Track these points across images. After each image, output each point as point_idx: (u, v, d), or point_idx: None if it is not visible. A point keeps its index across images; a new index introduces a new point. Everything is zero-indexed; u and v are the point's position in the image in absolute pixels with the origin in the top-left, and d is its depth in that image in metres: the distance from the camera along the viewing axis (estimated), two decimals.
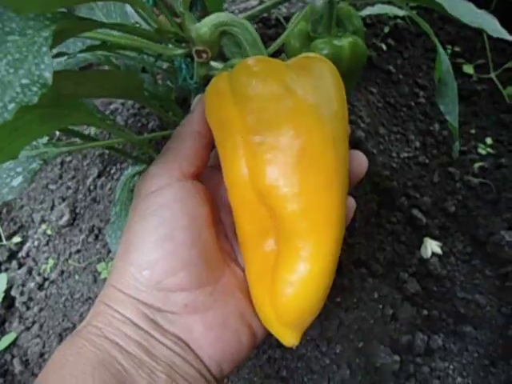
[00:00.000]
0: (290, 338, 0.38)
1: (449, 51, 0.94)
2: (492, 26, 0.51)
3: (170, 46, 0.46)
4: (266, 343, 0.64)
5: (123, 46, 0.48)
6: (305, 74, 0.39)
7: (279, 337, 0.38)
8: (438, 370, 0.63)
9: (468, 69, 0.92)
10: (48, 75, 0.24)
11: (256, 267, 0.38)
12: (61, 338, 0.72)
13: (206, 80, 0.56)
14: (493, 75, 0.92)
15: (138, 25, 0.65)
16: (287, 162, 0.36)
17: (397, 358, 0.63)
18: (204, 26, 0.41)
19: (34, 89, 0.23)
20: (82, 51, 0.43)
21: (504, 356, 0.63)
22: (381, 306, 0.66)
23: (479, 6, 0.50)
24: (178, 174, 0.37)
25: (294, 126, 0.36)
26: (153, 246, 0.33)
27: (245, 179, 0.37)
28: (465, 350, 0.65)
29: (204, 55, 0.41)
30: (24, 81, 0.23)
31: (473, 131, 0.88)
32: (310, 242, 0.36)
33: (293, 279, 0.35)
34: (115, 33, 0.53)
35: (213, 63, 0.46)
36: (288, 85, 0.36)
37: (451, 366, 0.63)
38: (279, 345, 0.64)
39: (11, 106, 0.23)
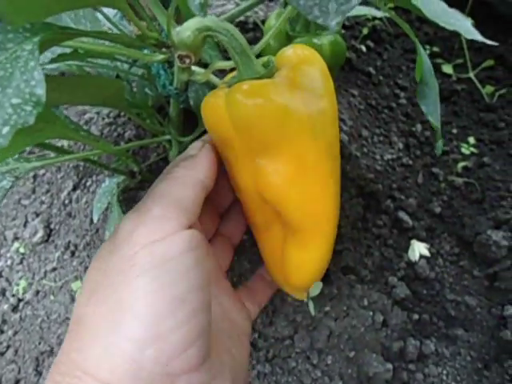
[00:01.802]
0: (298, 295, 0.54)
1: (427, 51, 0.94)
2: (465, 26, 0.51)
3: (146, 51, 0.43)
4: (254, 358, 0.61)
5: (98, 54, 0.45)
6: (296, 90, 0.40)
7: (291, 293, 0.54)
8: (431, 376, 0.61)
9: (447, 69, 0.93)
10: (41, 92, 0.21)
11: (268, 246, 0.50)
12: (37, 363, 0.68)
13: (186, 85, 0.54)
14: (471, 75, 0.92)
15: (109, 31, 0.62)
16: (286, 176, 0.41)
17: (389, 365, 0.61)
18: (187, 30, 0.38)
19: (28, 108, 0.20)
20: (53, 60, 0.40)
21: (497, 358, 0.62)
22: (371, 313, 0.65)
23: (451, 5, 0.49)
24: (185, 222, 0.31)
25: (289, 145, 0.40)
26: (160, 313, 0.25)
27: (250, 186, 0.44)
28: (457, 354, 0.63)
29: (187, 60, 0.39)
30: (15, 100, 0.20)
31: (454, 131, 0.87)
32: (311, 237, 0.46)
33: (298, 264, 0.47)
34: (90, 40, 0.50)
35: (194, 68, 0.43)
36: (281, 105, 0.38)
37: (445, 371, 0.62)
38: (268, 359, 0.62)
39: (6, 130, 0.20)
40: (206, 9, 0.24)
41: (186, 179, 0.36)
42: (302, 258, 0.47)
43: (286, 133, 0.39)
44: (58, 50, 0.44)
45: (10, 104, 0.19)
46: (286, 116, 0.38)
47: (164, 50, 0.44)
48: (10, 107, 0.19)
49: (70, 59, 0.41)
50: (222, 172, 0.55)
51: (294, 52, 0.44)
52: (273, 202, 0.43)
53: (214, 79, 0.49)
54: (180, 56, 0.41)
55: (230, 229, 0.55)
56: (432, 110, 0.57)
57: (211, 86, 0.48)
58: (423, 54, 0.57)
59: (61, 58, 0.38)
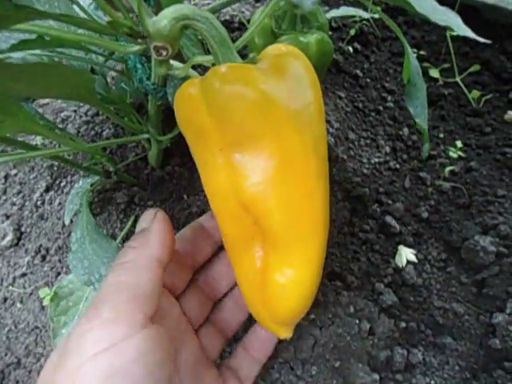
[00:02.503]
0: (283, 332, 0.45)
1: (414, 55, 0.93)
2: (456, 23, 0.49)
3: (122, 43, 0.40)
4: None
5: (67, 42, 0.42)
6: (280, 77, 0.36)
7: (273, 332, 0.45)
8: None
9: (434, 73, 0.92)
10: None
11: (245, 270, 0.41)
12: (3, 376, 0.63)
13: (165, 80, 0.51)
14: (458, 79, 0.91)
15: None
16: (268, 173, 0.35)
17: (376, 376, 0.58)
18: (163, 19, 0.35)
19: None
20: (13, 47, 0.36)
21: (485, 367, 0.60)
22: (357, 321, 0.62)
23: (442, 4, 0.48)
24: (141, 317, 0.28)
25: (273, 137, 0.35)
26: None
27: (226, 188, 0.37)
28: (445, 363, 0.61)
29: (164, 52, 0.36)
30: None
31: (441, 135, 0.86)
32: (297, 251, 0.38)
33: (284, 285, 0.38)
34: (56, 25, 0.47)
35: (173, 62, 0.41)
36: (265, 92, 0.34)
37: (432, 382, 0.60)
38: None
39: None
40: None
41: (139, 262, 0.32)
42: (287, 278, 0.38)
43: (269, 122, 0.35)
44: (21, 37, 0.40)
45: None
46: (270, 103, 0.34)
47: (140, 40, 0.41)
48: None
49: (34, 47, 0.37)
50: (218, 257, 0.50)
51: (277, 47, 0.42)
52: (252, 207, 0.36)
53: (194, 74, 0.46)
54: (156, 47, 0.39)
55: (224, 319, 0.50)
56: (419, 111, 0.55)
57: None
58: (411, 54, 0.56)
59: (23, 44, 0.35)
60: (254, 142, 0.36)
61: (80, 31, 0.43)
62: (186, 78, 0.44)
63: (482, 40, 0.48)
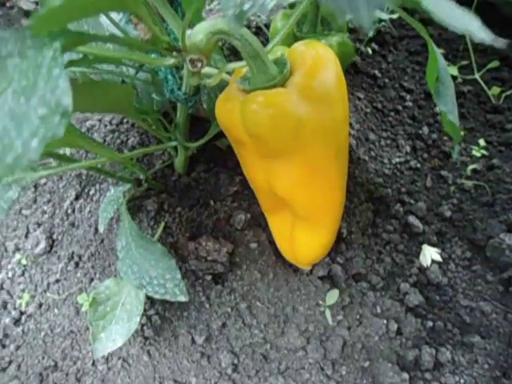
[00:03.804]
0: (304, 267, 0.64)
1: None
2: (474, 28, 0.49)
3: (153, 55, 0.42)
4: (266, 371, 0.59)
5: (108, 59, 0.44)
6: (309, 99, 0.40)
7: (298, 265, 0.63)
8: None
9: (452, 71, 0.92)
10: (67, 101, 0.19)
11: (278, 227, 0.57)
12: (41, 378, 0.66)
13: (195, 90, 0.53)
14: (477, 76, 0.91)
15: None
16: (297, 179, 0.44)
17: (405, 375, 0.59)
18: (199, 33, 0.37)
19: (56, 119, 0.19)
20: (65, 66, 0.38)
21: None
22: (385, 321, 0.63)
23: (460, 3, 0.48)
24: None
25: (301, 154, 0.41)
26: None
27: (263, 182, 0.47)
28: (474, 362, 0.62)
29: (199, 64, 0.38)
30: (41, 111, 0.19)
31: (462, 133, 0.86)
32: (317, 226, 0.52)
33: (306, 243, 0.54)
34: (96, 45, 0.49)
35: (203, 71, 0.42)
36: (295, 117, 0.39)
37: (462, 380, 0.60)
38: (281, 371, 0.60)
39: (35, 143, 0.18)
40: (243, 21, 0.23)
41: None
42: (308, 240, 0.54)
43: (299, 142, 0.40)
44: (64, 58, 0.42)
45: (36, 115, 0.17)
46: (300, 127, 0.39)
47: (174, 54, 0.42)
48: (37, 118, 0.17)
49: (79, 65, 0.39)
50: None
51: (308, 52, 0.43)
52: (283, 198, 0.47)
53: (225, 77, 0.47)
54: (192, 60, 0.40)
55: None
56: (450, 108, 0.55)
57: (223, 86, 0.46)
58: (437, 52, 0.56)
59: (70, 64, 0.37)
60: (284, 157, 0.42)
61: (115, 47, 0.45)
62: (218, 84, 0.46)
63: (499, 45, 0.49)
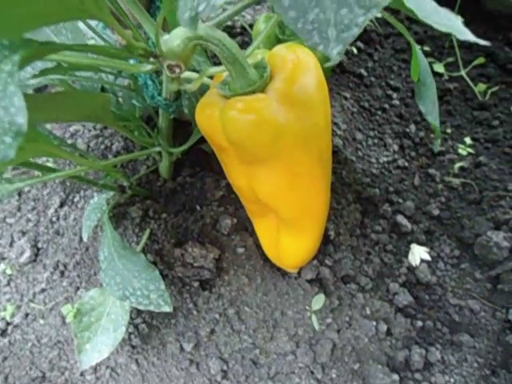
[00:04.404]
0: (290, 271, 0.64)
1: None
2: (457, 27, 0.50)
3: (132, 62, 0.41)
4: (256, 376, 0.59)
5: (84, 66, 0.43)
6: (290, 105, 0.39)
7: (283, 267, 0.62)
8: None
9: (438, 68, 0.91)
10: (21, 121, 0.18)
11: (263, 230, 0.56)
12: None
13: (176, 95, 0.52)
14: (463, 73, 0.91)
15: (92, 41, 0.60)
16: (278, 184, 0.44)
17: (395, 376, 0.59)
18: (176, 39, 0.36)
19: (7, 140, 0.18)
20: (34, 77, 0.37)
21: (504, 364, 0.61)
22: (374, 323, 0.63)
23: (441, 3, 0.48)
24: None
25: (282, 159, 0.41)
26: None
27: (246, 187, 0.46)
28: (464, 361, 0.62)
29: (177, 70, 0.37)
30: None
31: (449, 130, 0.86)
32: (300, 229, 0.52)
33: (290, 248, 0.54)
34: (73, 53, 0.48)
35: (183, 75, 0.41)
36: (275, 124, 0.38)
37: (452, 380, 0.60)
38: (270, 376, 0.59)
39: None
40: (197, 23, 0.22)
41: None
42: (293, 244, 0.54)
43: (280, 149, 0.40)
44: (38, 64, 0.41)
45: None
46: (280, 133, 0.39)
47: (152, 59, 0.42)
48: None
49: (52, 74, 0.38)
50: None
51: (289, 56, 0.43)
52: (267, 203, 0.47)
53: (206, 80, 0.47)
54: (169, 66, 0.39)
55: None
56: (430, 109, 0.55)
57: (204, 90, 0.46)
58: (419, 53, 0.56)
59: (43, 73, 0.36)
60: (265, 162, 0.41)
61: (91, 55, 0.44)
62: (199, 88, 0.45)
63: (482, 42, 0.48)
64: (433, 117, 0.55)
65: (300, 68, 0.42)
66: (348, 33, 0.21)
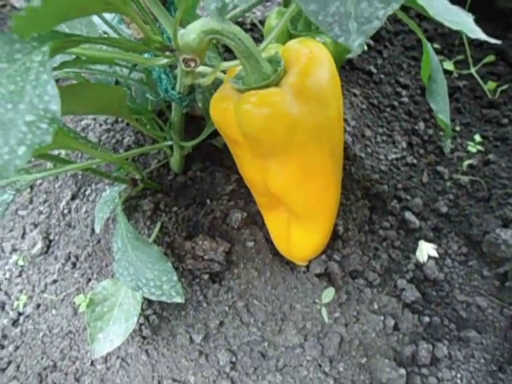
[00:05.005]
0: (299, 263, 0.64)
1: None
2: (468, 25, 0.50)
3: (147, 55, 0.42)
4: (264, 368, 0.60)
5: (101, 60, 0.43)
6: (303, 99, 0.40)
7: (293, 261, 0.63)
8: (445, 380, 0.60)
9: (448, 65, 0.91)
10: (55, 108, 0.19)
11: (273, 223, 0.57)
12: (41, 379, 0.66)
13: (190, 89, 0.52)
14: (473, 71, 0.91)
15: (106, 35, 0.60)
16: (291, 177, 0.44)
17: (402, 371, 0.60)
18: (192, 33, 0.37)
19: (43, 126, 0.18)
20: (56, 68, 0.38)
21: (511, 360, 0.61)
22: (382, 318, 0.63)
23: (452, 2, 0.48)
24: None
25: (295, 153, 0.42)
26: None
27: (258, 179, 0.47)
28: (471, 357, 0.62)
29: (192, 64, 0.38)
30: (28, 117, 0.19)
31: (458, 128, 0.86)
32: (311, 222, 0.52)
33: (301, 241, 0.55)
34: (91, 46, 0.49)
35: (197, 70, 0.42)
36: (289, 118, 0.39)
37: (458, 375, 0.61)
38: (278, 368, 0.60)
39: (22, 150, 0.18)
40: (225, 14, 0.22)
41: None
42: (303, 237, 0.54)
43: (293, 142, 0.40)
44: (56, 58, 0.42)
45: (23, 121, 0.17)
46: (294, 126, 0.39)
47: (167, 53, 0.42)
48: (24, 125, 0.17)
49: (72, 66, 0.39)
50: None
51: (302, 50, 0.43)
52: (278, 196, 0.47)
53: (219, 75, 0.47)
54: (185, 59, 0.40)
55: None
56: (441, 107, 0.56)
57: (217, 84, 0.46)
58: (431, 51, 0.56)
59: (63, 65, 0.37)
60: (279, 156, 0.42)
61: (107, 48, 0.45)
62: (213, 83, 0.46)
63: (493, 41, 0.49)
64: (444, 115, 0.55)
65: (314, 62, 0.43)
66: (369, 25, 0.22)
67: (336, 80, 0.45)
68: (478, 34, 0.49)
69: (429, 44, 0.54)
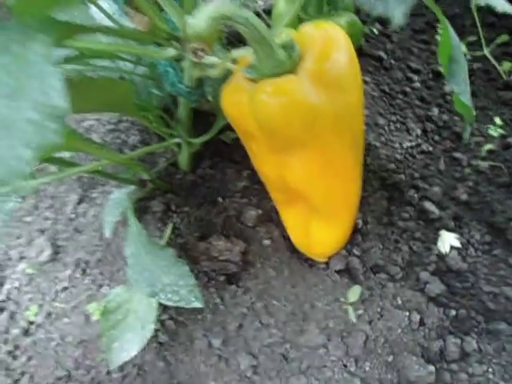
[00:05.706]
0: (321, 260, 0.62)
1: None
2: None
3: (152, 47, 0.39)
4: (287, 371, 0.57)
5: (105, 54, 0.41)
6: (321, 85, 0.37)
7: (313, 258, 0.62)
8: (476, 376, 0.58)
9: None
10: (63, 103, 0.16)
11: (291, 219, 0.55)
12: None
13: (198, 82, 0.49)
14: (486, 52, 0.87)
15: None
16: (310, 171, 0.42)
17: (431, 368, 0.57)
18: (200, 20, 0.34)
19: (51, 125, 0.16)
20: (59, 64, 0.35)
21: None
22: (406, 313, 0.61)
23: None
24: None
25: (315, 144, 0.39)
26: None
27: (273, 174, 0.45)
28: (502, 350, 0.59)
29: (201, 53, 0.35)
30: (33, 115, 0.16)
31: (474, 112, 0.83)
32: (334, 218, 0.51)
33: (323, 237, 0.53)
34: (94, 39, 0.46)
35: (205, 61, 0.39)
36: (307, 106, 0.36)
37: (490, 369, 0.58)
38: (302, 370, 0.58)
39: (28, 155, 0.15)
40: None
41: None
42: (324, 232, 0.52)
43: (313, 132, 0.38)
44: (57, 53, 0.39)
45: (28, 121, 0.15)
46: (313, 115, 0.37)
47: (174, 44, 0.39)
48: (29, 125, 0.14)
49: (74, 63, 0.36)
50: None
51: (318, 34, 0.40)
52: (297, 191, 0.45)
53: (229, 66, 0.44)
54: (193, 49, 0.37)
55: None
56: (463, 88, 0.53)
57: (227, 76, 0.43)
58: (450, 29, 0.53)
59: (68, 61, 0.34)
60: (298, 148, 0.39)
61: (109, 40, 0.42)
62: (222, 75, 0.43)
63: None
64: (465, 97, 0.53)
65: (331, 45, 0.40)
66: None
67: (356, 64, 0.42)
68: (505, 7, 0.46)
69: (448, 23, 0.51)
